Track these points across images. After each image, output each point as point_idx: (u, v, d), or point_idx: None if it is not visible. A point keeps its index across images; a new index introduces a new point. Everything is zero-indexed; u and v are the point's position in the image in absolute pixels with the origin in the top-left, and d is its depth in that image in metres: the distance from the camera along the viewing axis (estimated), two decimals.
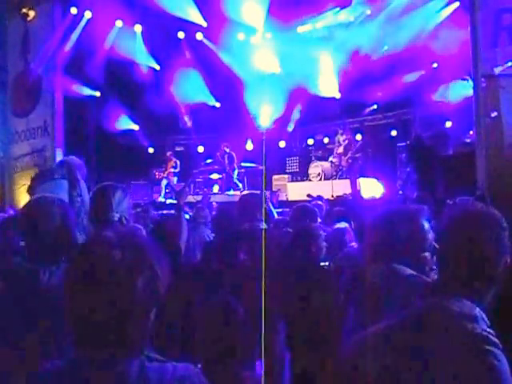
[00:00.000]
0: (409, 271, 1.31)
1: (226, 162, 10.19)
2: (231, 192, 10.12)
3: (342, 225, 3.22)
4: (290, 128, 10.62)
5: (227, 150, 10.17)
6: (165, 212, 5.33)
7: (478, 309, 0.94)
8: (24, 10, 9.49)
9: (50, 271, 1.42)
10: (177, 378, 0.90)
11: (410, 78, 8.91)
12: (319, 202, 4.23)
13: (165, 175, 10.33)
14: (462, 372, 0.89)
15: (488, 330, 0.93)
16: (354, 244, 2.93)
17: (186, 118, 11.09)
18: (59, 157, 8.94)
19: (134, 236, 0.95)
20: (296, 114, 10.33)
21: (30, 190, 3.47)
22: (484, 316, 0.94)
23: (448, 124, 8.57)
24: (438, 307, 0.96)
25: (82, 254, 0.92)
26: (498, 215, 1.06)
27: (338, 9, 8.95)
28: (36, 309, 1.36)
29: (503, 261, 1.03)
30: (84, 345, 0.88)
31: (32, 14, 9.56)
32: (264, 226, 2.70)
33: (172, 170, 10.30)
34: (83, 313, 0.86)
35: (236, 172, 10.20)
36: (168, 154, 10.54)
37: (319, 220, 3.59)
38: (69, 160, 3.70)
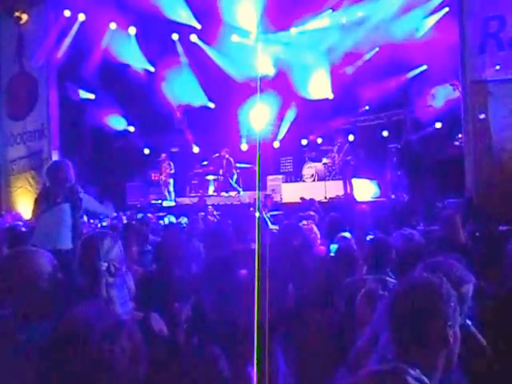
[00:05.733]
0: None
1: (224, 166, 10.29)
2: (227, 193, 10.23)
3: (344, 235, 3.35)
4: (284, 129, 10.72)
5: (226, 156, 10.27)
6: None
7: (410, 371, 1.05)
8: (17, 14, 9.46)
9: (32, 328, 1.35)
10: None
11: (401, 79, 9.04)
12: (312, 213, 4.33)
13: (164, 178, 10.30)
14: None
15: None
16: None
17: (180, 119, 11.11)
18: (56, 159, 8.98)
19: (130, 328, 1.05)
20: (290, 115, 10.43)
21: (34, 216, 3.48)
22: (423, 378, 1.08)
23: (438, 125, 8.71)
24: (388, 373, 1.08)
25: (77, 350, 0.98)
26: (436, 284, 1.19)
27: (330, 11, 9.03)
28: (16, 367, 1.29)
29: (439, 326, 1.15)
30: None
31: (25, 17, 9.55)
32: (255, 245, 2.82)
33: (169, 171, 10.33)
34: None
35: (235, 177, 10.30)
36: (162, 156, 10.56)
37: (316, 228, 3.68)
38: (66, 175, 3.61)
